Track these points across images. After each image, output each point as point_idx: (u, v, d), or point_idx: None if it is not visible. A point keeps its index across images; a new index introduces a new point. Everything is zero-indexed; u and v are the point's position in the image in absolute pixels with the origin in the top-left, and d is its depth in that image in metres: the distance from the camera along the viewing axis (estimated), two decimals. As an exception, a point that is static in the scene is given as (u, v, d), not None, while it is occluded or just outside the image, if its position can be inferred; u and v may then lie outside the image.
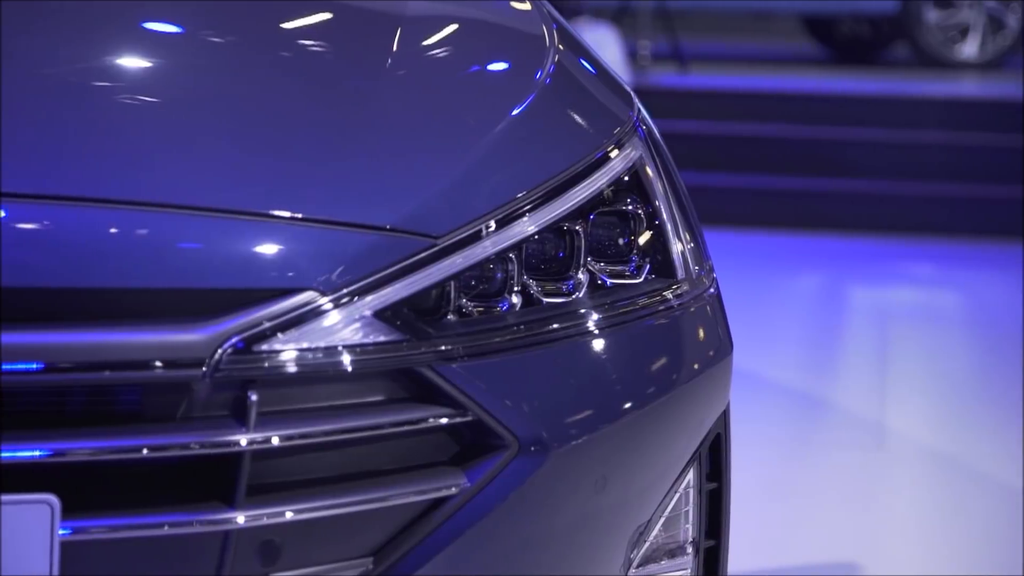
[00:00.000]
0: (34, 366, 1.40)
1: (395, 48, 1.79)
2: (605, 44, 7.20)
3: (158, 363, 1.43)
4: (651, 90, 7.45)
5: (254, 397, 1.47)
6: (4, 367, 1.40)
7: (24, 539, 1.35)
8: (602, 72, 1.96)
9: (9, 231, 1.43)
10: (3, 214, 1.43)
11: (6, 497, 1.35)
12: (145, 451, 1.42)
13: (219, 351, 1.45)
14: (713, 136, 7.28)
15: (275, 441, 1.47)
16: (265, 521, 1.46)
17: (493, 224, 1.62)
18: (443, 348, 1.55)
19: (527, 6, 2.00)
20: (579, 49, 1.96)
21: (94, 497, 1.42)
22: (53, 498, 1.36)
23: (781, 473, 3.81)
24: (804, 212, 6.95)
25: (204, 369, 1.45)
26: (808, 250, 6.63)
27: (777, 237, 6.76)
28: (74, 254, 1.44)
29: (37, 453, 1.40)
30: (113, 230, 1.46)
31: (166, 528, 1.42)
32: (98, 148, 1.53)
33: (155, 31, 1.77)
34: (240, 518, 1.45)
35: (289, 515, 1.47)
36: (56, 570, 1.38)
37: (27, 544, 1.35)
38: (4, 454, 1.39)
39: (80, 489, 1.41)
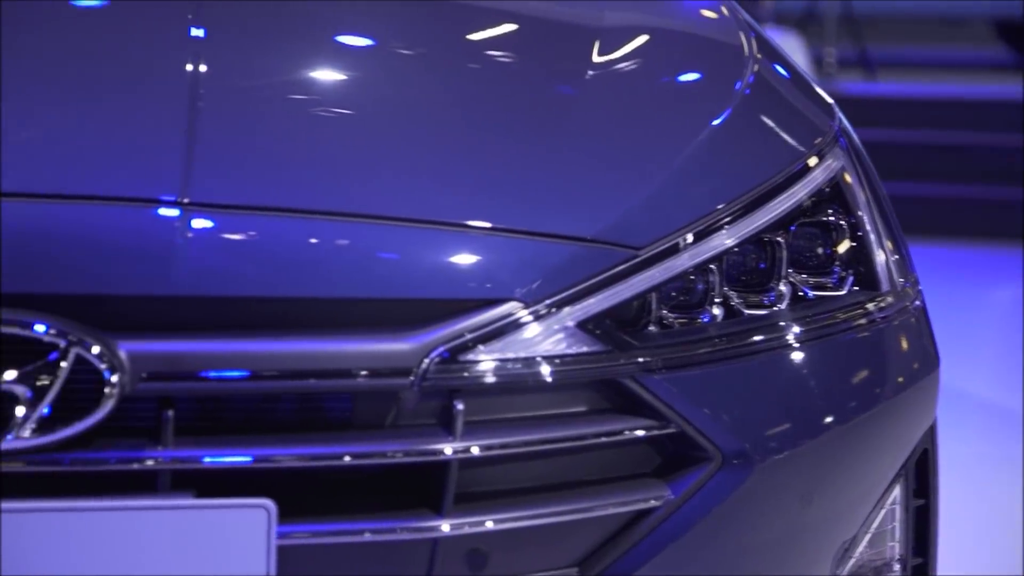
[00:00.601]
0: (241, 374, 1.44)
1: (593, 58, 1.79)
2: (789, 51, 7.12)
3: (367, 372, 1.45)
4: (837, 97, 7.30)
5: (460, 406, 1.48)
6: (211, 374, 1.43)
7: (242, 542, 1.39)
8: (802, 82, 1.93)
9: (216, 241, 1.46)
10: (211, 224, 1.47)
11: (225, 501, 1.39)
12: (354, 458, 1.45)
13: (426, 361, 1.47)
14: (902, 144, 7.14)
15: (481, 450, 1.48)
16: (471, 529, 1.47)
17: (693, 236, 1.61)
18: (645, 359, 1.55)
19: (725, 14, 1.99)
20: (778, 58, 1.94)
21: (307, 502, 1.45)
22: (270, 502, 1.39)
23: (987, 490, 3.72)
24: (998, 222, 6.77)
25: (412, 378, 1.47)
26: (1002, 262, 6.46)
27: (969, 248, 6.60)
28: (282, 264, 1.47)
29: (247, 459, 1.43)
30: (320, 241, 1.49)
31: (375, 534, 1.45)
32: (300, 160, 1.56)
33: (351, 43, 1.80)
34: (447, 526, 1.46)
35: (495, 524, 1.48)
36: (273, 572, 1.41)
37: (245, 547, 1.38)
38: (215, 459, 1.42)
39: (293, 495, 1.44)
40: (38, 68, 1.58)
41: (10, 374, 1.37)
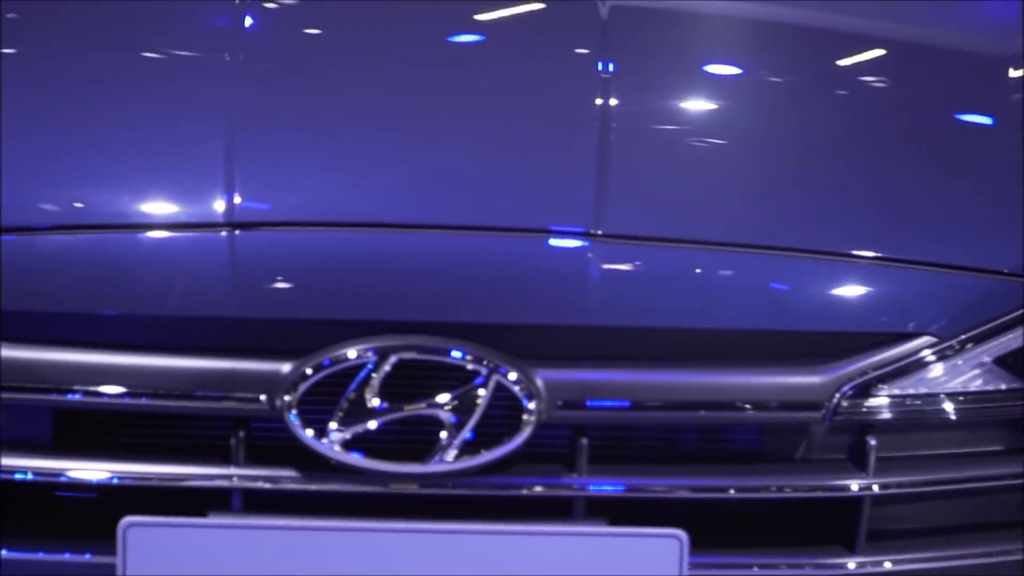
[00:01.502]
0: (653, 403, 1.44)
1: (991, 86, 1.73)
2: None
3: (779, 404, 1.44)
4: None
5: (873, 442, 1.45)
6: (624, 404, 1.44)
7: (653, 570, 1.39)
8: None
9: (627, 272, 1.47)
10: (622, 256, 1.47)
11: (638, 529, 1.40)
12: (764, 491, 1.44)
13: (836, 395, 1.45)
14: None
15: (897, 487, 1.45)
16: (882, 568, 1.44)
17: None
18: None
19: None
20: None
21: (704, 532, 1.44)
22: (682, 532, 1.40)
23: None
24: None
25: (823, 412, 1.45)
26: None
27: None
28: (690, 295, 1.47)
29: (655, 487, 1.44)
30: (729, 272, 1.49)
31: (785, 569, 1.44)
32: (706, 191, 1.55)
33: (745, 75, 1.78)
34: (854, 564, 1.44)
35: (912, 564, 1.45)
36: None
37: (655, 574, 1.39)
38: (628, 488, 1.43)
39: (690, 523, 1.44)
40: (447, 101, 1.63)
41: (441, 397, 1.41)
